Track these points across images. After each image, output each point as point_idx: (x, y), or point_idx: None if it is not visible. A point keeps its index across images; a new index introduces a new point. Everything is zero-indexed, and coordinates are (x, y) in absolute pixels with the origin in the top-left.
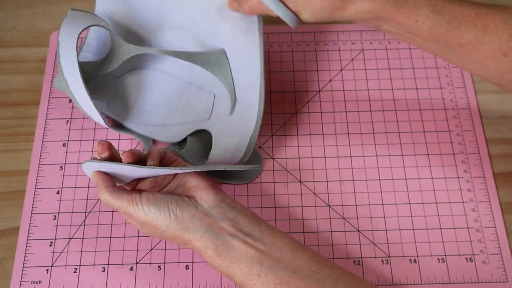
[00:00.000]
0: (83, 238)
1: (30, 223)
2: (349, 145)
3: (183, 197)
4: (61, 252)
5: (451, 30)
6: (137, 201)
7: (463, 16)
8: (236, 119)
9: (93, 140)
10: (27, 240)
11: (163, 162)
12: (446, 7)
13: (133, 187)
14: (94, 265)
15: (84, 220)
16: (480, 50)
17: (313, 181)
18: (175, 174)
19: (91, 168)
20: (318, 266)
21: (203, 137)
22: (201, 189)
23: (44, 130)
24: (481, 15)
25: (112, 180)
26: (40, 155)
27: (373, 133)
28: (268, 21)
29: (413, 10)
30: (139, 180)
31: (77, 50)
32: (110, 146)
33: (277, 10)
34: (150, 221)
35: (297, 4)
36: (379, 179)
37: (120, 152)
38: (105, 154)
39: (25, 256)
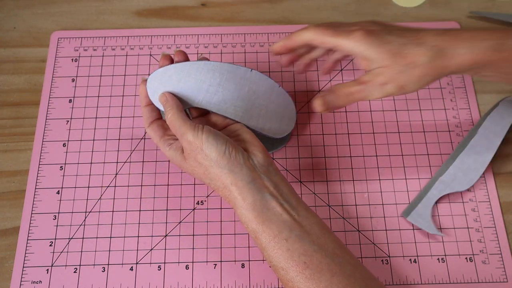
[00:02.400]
0: (83, 238)
1: (30, 223)
2: (349, 145)
3: (238, 145)
4: (61, 252)
5: None
6: (199, 128)
7: None
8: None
9: (93, 140)
10: (27, 240)
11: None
12: None
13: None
14: (94, 265)
15: (84, 220)
16: None
17: (313, 181)
18: (232, 123)
19: (157, 85)
20: (341, 250)
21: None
22: (255, 146)
23: (44, 130)
24: None
25: (181, 104)
26: (40, 155)
27: (373, 133)
28: (268, 21)
29: None
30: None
31: None
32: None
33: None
34: (204, 149)
35: (399, 81)
36: (379, 179)
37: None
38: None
39: (25, 256)
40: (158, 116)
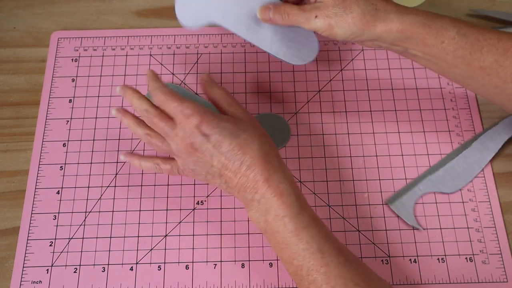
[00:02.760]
0: (83, 238)
1: (30, 223)
2: (349, 145)
3: None
4: (61, 252)
5: (474, 53)
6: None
7: (485, 39)
8: None
9: (93, 140)
10: (27, 240)
11: None
12: (470, 30)
13: None
14: (94, 265)
15: (84, 220)
16: (500, 74)
17: (313, 181)
18: None
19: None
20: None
21: None
22: None
23: (44, 130)
24: (502, 40)
25: None
26: (40, 155)
27: (373, 133)
28: None
29: (440, 31)
30: None
31: None
32: None
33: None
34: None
35: (330, 20)
36: (379, 179)
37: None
38: None
39: (25, 256)
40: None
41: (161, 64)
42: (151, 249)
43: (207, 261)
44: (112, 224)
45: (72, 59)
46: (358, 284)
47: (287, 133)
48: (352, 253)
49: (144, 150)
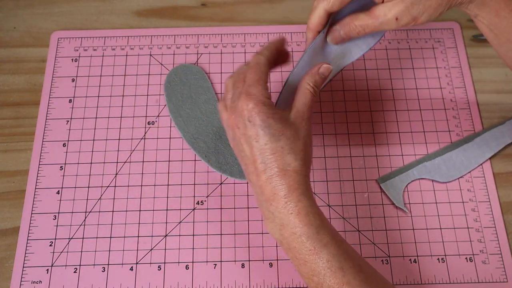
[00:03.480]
0: (83, 238)
1: (30, 223)
2: (349, 145)
3: None
4: (61, 252)
5: None
6: None
7: None
8: None
9: (93, 140)
10: (27, 240)
11: None
12: None
13: None
14: (94, 265)
15: (84, 220)
16: None
17: (313, 181)
18: None
19: None
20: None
21: None
22: None
23: (44, 130)
24: None
25: None
26: (40, 155)
27: (373, 133)
28: (268, 21)
29: None
30: None
31: None
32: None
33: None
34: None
35: (412, 13)
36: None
37: None
38: None
39: (25, 256)
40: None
41: (161, 64)
42: (151, 249)
43: (207, 261)
44: (112, 224)
45: (72, 59)
46: None
47: None
48: (370, 266)
49: (144, 150)
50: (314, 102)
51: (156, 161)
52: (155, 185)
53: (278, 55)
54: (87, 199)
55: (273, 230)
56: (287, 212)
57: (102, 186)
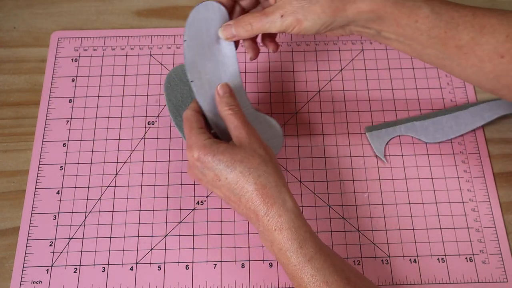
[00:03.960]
0: (83, 238)
1: (30, 223)
2: (349, 145)
3: None
4: (61, 252)
5: (449, 31)
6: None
7: (460, 16)
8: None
9: (93, 140)
10: (27, 240)
11: None
12: (444, 7)
13: None
14: (94, 265)
15: (84, 220)
16: (477, 52)
17: (313, 181)
18: None
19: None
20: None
21: None
22: None
23: (44, 130)
24: (478, 16)
25: None
26: (40, 155)
27: None
28: None
29: (412, 10)
30: None
31: None
32: None
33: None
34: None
35: (297, 15)
36: (379, 179)
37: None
38: None
39: (25, 256)
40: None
41: (161, 64)
42: (151, 249)
43: (207, 261)
44: (112, 224)
45: (72, 59)
46: None
47: (280, 140)
48: (363, 278)
49: (144, 150)
50: (241, 117)
51: (156, 161)
52: (155, 185)
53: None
54: (87, 199)
55: (268, 247)
56: (271, 229)
57: (102, 186)
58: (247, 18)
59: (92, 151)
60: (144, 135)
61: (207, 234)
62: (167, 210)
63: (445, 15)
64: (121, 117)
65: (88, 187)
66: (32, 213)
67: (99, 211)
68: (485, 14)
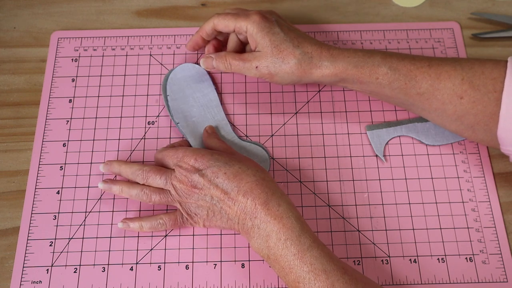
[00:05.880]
0: (83, 238)
1: (30, 223)
2: (349, 145)
3: None
4: (61, 252)
5: (409, 82)
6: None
7: (417, 68)
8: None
9: (93, 140)
10: (27, 240)
11: None
12: (401, 63)
13: None
14: (94, 265)
15: (84, 220)
16: (437, 97)
17: (313, 181)
18: None
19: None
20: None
21: None
22: None
23: (44, 130)
24: (433, 66)
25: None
26: (40, 155)
27: None
28: None
29: (372, 69)
30: None
31: None
32: None
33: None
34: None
35: (270, 69)
36: (379, 179)
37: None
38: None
39: (25, 256)
40: None
41: (161, 64)
42: (151, 249)
43: (207, 261)
44: (112, 224)
45: (72, 59)
46: None
47: (267, 163)
48: (357, 271)
49: (144, 150)
50: (230, 147)
51: None
52: None
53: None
54: (87, 199)
55: (260, 246)
56: (270, 219)
57: None
58: (228, 57)
59: (92, 151)
60: (144, 135)
61: (207, 234)
62: (167, 210)
63: (402, 69)
64: (121, 117)
65: (88, 187)
66: (32, 213)
67: (99, 211)
68: (439, 63)
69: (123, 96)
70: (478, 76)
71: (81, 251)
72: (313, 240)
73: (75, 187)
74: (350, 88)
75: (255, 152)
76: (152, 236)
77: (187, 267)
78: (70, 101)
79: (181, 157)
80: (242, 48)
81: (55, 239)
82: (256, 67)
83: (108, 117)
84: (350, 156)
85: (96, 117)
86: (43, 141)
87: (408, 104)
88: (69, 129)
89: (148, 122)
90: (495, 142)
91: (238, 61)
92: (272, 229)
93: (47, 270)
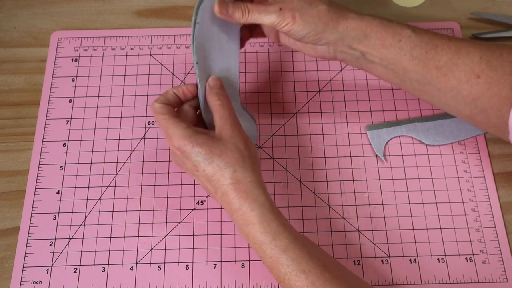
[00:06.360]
0: (83, 238)
1: (30, 223)
2: (349, 145)
3: None
4: (61, 252)
5: (429, 51)
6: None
7: (438, 38)
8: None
9: (93, 140)
10: (27, 240)
11: None
12: (424, 30)
13: None
14: (94, 265)
15: (84, 220)
16: (455, 73)
17: (313, 181)
18: None
19: None
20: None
21: None
22: None
23: (44, 130)
24: (453, 40)
25: None
26: (40, 155)
27: None
28: None
29: (396, 30)
30: None
31: None
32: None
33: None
34: (249, 146)
35: (294, 12)
36: (379, 179)
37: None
38: None
39: (25, 256)
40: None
41: (161, 64)
42: (151, 249)
43: (207, 261)
44: (112, 224)
45: (72, 59)
46: None
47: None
48: (342, 267)
49: (144, 150)
50: (228, 109)
51: (156, 161)
52: (155, 185)
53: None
54: (87, 199)
55: (246, 240)
56: (245, 223)
57: (102, 186)
58: (246, 3)
59: (92, 151)
60: (144, 135)
61: (207, 234)
62: (167, 210)
63: (425, 36)
64: (121, 117)
65: (88, 187)
66: (32, 213)
67: (99, 211)
68: (458, 39)
69: (123, 96)
70: (496, 57)
71: (81, 251)
72: (290, 241)
73: (75, 187)
74: (369, 57)
75: (250, 124)
76: (152, 236)
77: (187, 267)
78: (70, 101)
79: (168, 135)
80: None
81: (55, 239)
82: (280, 8)
83: (108, 117)
84: (350, 156)
85: (96, 117)
86: (43, 141)
87: (424, 83)
88: (69, 129)
89: (148, 122)
90: (504, 129)
91: (258, 6)
92: (248, 232)
93: (47, 270)
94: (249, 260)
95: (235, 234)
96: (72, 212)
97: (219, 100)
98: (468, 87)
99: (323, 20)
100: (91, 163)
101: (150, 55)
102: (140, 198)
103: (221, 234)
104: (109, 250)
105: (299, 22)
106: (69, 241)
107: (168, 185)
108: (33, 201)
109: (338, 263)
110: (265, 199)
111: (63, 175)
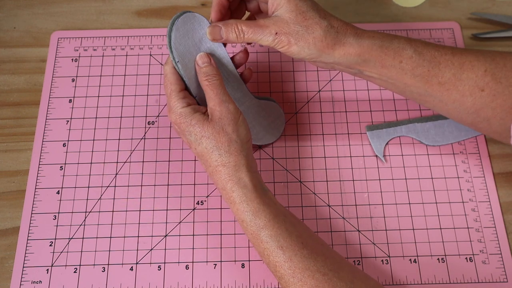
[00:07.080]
0: (83, 238)
1: (30, 223)
2: (349, 145)
3: None
4: (61, 252)
5: (432, 69)
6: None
7: (441, 55)
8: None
9: (93, 140)
10: (27, 240)
11: None
12: (426, 48)
13: None
14: (94, 265)
15: (84, 220)
16: (459, 88)
17: (313, 181)
18: None
19: None
20: (321, 240)
21: None
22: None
23: (44, 130)
24: (457, 54)
25: None
26: (40, 155)
27: None
28: None
29: (397, 51)
30: None
31: None
32: None
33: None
34: (238, 123)
35: (290, 37)
36: (379, 179)
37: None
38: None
39: (25, 256)
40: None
41: (161, 64)
42: (151, 249)
43: (207, 261)
44: (112, 224)
45: (72, 59)
46: (325, 274)
47: (282, 118)
48: (324, 244)
49: (144, 150)
50: (216, 88)
51: (156, 161)
52: (155, 185)
53: None
54: (87, 199)
55: (250, 195)
56: (229, 201)
57: (102, 186)
58: (239, 24)
59: (92, 151)
60: (144, 135)
61: (207, 234)
62: (167, 210)
63: (427, 54)
64: (121, 117)
65: (88, 187)
66: (32, 213)
67: (99, 211)
68: (462, 52)
69: (123, 96)
70: (500, 68)
71: (81, 251)
72: (270, 218)
73: (75, 187)
74: (368, 74)
75: (271, 108)
76: (152, 236)
77: (187, 267)
78: (70, 101)
79: (169, 108)
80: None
81: (55, 239)
82: (276, 33)
83: (108, 117)
84: (350, 156)
85: (96, 117)
86: (43, 141)
87: (425, 95)
88: (69, 129)
89: (148, 122)
90: (506, 134)
91: (253, 27)
92: (235, 211)
93: (47, 270)
94: (249, 260)
95: (235, 234)
96: (72, 212)
97: (207, 80)
98: (471, 99)
99: (318, 47)
100: (91, 163)
101: (150, 55)
102: (140, 198)
103: (221, 234)
104: (109, 250)
105: (294, 48)
106: (69, 241)
107: (168, 185)
108: (33, 201)
109: (321, 240)
110: (249, 180)
111: (63, 175)
